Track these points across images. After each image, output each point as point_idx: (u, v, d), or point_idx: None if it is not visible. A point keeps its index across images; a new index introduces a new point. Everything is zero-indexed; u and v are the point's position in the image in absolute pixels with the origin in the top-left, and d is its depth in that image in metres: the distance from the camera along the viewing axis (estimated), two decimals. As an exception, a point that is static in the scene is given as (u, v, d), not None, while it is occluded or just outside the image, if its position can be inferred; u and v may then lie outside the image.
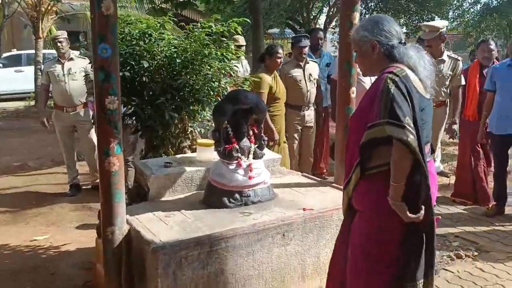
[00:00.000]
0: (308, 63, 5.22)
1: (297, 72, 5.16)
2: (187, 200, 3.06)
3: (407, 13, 16.97)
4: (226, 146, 2.90)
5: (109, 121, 2.47)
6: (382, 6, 17.22)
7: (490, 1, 15.95)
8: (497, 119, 4.35)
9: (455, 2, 16.80)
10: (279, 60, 4.74)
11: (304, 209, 2.87)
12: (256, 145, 3.02)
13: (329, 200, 3.05)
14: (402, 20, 17.30)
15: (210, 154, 3.33)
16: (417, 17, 16.55)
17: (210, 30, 3.54)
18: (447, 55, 4.91)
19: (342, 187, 3.33)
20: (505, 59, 4.82)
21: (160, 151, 3.58)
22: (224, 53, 3.52)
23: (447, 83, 4.93)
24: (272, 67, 4.77)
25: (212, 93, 3.54)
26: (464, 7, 16.38)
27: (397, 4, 17.24)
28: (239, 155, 2.92)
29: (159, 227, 2.63)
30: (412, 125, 1.88)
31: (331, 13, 18.84)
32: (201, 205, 2.96)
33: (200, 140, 3.40)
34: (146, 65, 3.28)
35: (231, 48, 3.63)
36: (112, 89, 2.46)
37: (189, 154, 3.54)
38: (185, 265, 2.42)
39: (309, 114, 5.27)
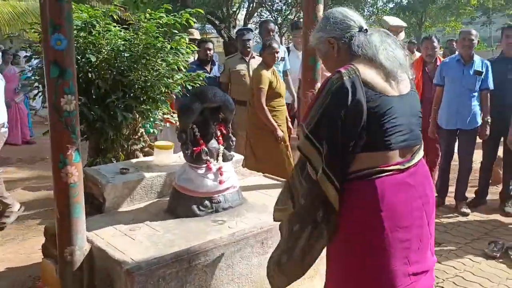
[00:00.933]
0: (253, 57, 5.04)
1: (241, 67, 4.97)
2: (149, 210, 2.76)
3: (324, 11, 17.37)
4: (194, 148, 2.64)
5: (66, 124, 2.13)
6: (295, 4, 17.48)
7: (401, 0, 16.83)
8: (447, 114, 4.46)
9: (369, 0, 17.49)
10: (275, 55, 4.52)
11: (279, 213, 2.70)
12: (224, 146, 2.79)
13: (301, 201, 2.90)
14: (321, 17, 17.75)
15: (168, 158, 3.05)
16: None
17: (160, 22, 3.24)
18: None
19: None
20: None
21: (109, 155, 3.23)
22: (178, 47, 3.23)
23: None
24: (269, 62, 4.54)
25: (165, 91, 3.24)
26: (378, 5, 17.12)
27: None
28: (208, 158, 2.68)
29: (126, 243, 2.32)
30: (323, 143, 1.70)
31: (251, 8, 18.82)
32: (167, 214, 2.68)
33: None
34: (93, 59, 2.90)
35: (184, 41, 3.35)
36: (69, 87, 2.12)
37: (143, 158, 3.23)
38: (162, 285, 2.14)
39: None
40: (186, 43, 3.35)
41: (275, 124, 4.41)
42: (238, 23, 17.46)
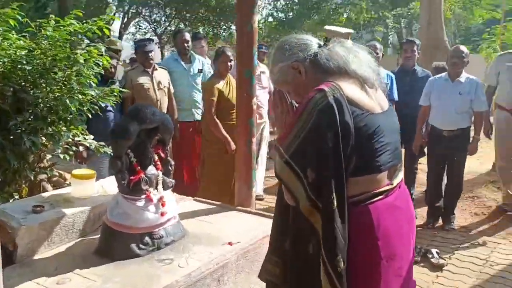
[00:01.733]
0: (156, 69, 4.65)
1: (144, 80, 4.55)
2: (74, 253, 2.30)
3: (206, 23, 17.31)
4: (131, 177, 2.25)
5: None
6: (176, 14, 17.20)
7: (281, 16, 17.43)
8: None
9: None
10: (227, 63, 4.18)
11: (230, 244, 2.42)
12: (163, 172, 2.44)
13: (247, 227, 2.66)
14: (202, 29, 17.66)
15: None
16: (216, 27, 17.01)
17: (70, 29, 2.76)
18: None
19: (248, 209, 3.02)
20: None
21: (8, 189, 2.65)
22: (96, 59, 2.79)
23: None
24: (222, 71, 4.23)
25: (80, 108, 2.77)
26: (260, 18, 17.56)
27: (195, 13, 17.45)
28: (148, 187, 2.31)
29: (58, 302, 1.86)
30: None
31: (126, 18, 18.04)
32: (98, 258, 2.24)
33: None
34: (-10, 73, 2.35)
35: (99, 52, 2.90)
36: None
37: (57, 190, 2.71)
38: None
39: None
40: (102, 53, 2.90)
41: (228, 137, 4.12)
42: (112, 34, 16.58)
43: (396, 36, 16.99)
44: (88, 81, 2.87)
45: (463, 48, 4.28)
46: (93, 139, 2.97)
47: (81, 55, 2.75)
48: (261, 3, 18.75)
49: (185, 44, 4.89)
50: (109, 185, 2.73)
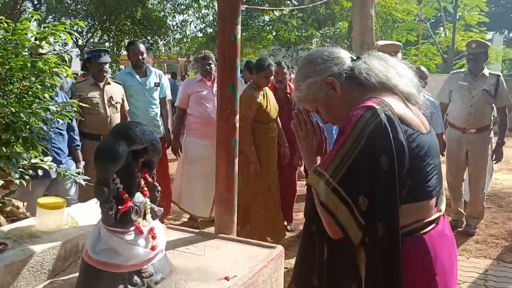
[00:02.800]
0: (109, 83, 4.27)
1: (94, 94, 4.16)
2: (47, 300, 1.92)
3: (132, 35, 16.73)
4: (119, 206, 1.93)
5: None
6: (99, 25, 16.45)
7: (210, 32, 17.32)
8: None
9: (176, 28, 17.52)
10: (269, 79, 4.18)
11: (227, 279, 2.17)
12: (150, 199, 2.14)
13: (237, 258, 2.41)
14: (127, 40, 17.09)
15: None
16: (143, 38, 16.48)
17: (26, 33, 2.38)
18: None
19: (231, 236, 2.77)
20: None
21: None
22: (60, 70, 2.43)
23: None
24: (261, 84, 4.23)
25: (40, 127, 2.40)
26: (187, 33, 17.30)
27: (121, 25, 16.82)
28: (137, 217, 2.00)
29: None
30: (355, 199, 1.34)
31: (42, 28, 16.93)
32: (78, 303, 1.89)
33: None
34: None
35: (54, 60, 2.54)
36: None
37: (14, 224, 2.28)
38: None
39: (111, 146, 4.29)
40: (60, 64, 2.54)
41: (255, 156, 4.18)
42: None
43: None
44: (49, 94, 2.50)
45: (423, 69, 4.38)
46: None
47: (43, 63, 2.38)
48: (189, 18, 18.56)
49: (140, 56, 4.56)
50: (79, 214, 2.36)
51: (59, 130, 3.64)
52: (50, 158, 2.62)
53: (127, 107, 4.40)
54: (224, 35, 2.67)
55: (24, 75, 2.27)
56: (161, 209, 2.19)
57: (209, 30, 17.57)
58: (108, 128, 4.23)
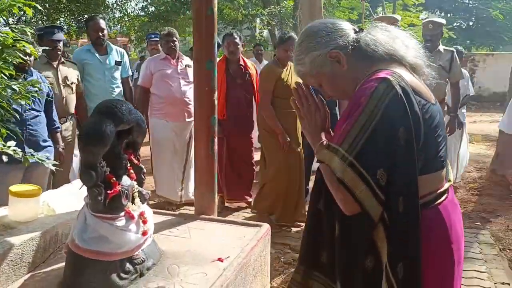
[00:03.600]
0: (63, 62, 3.99)
1: (48, 74, 3.87)
2: (32, 295, 1.77)
3: (68, 13, 15.84)
4: (108, 191, 1.80)
5: None
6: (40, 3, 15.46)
7: (152, 11, 16.70)
8: None
9: (115, 5, 16.75)
10: (288, 53, 3.93)
11: (220, 260, 2.10)
12: (136, 182, 2.01)
13: (225, 238, 2.35)
14: (63, 20, 16.20)
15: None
16: (80, 17, 15.64)
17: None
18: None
19: (213, 217, 2.69)
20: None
21: None
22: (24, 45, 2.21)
23: None
24: (283, 59, 4.08)
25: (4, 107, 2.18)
26: (129, 11, 16.57)
27: (56, 2, 15.84)
28: (127, 202, 1.88)
29: None
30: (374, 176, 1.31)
31: None
32: (67, 296, 1.76)
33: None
34: None
35: (17, 36, 2.32)
36: None
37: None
38: None
39: (67, 128, 4.04)
40: (20, 39, 2.32)
41: (280, 128, 4.03)
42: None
43: (269, 33, 17.44)
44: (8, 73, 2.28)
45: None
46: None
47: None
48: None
49: (100, 33, 4.27)
50: (54, 201, 2.19)
51: (35, 113, 3.31)
52: (13, 142, 2.40)
53: (82, 88, 4.13)
54: (200, 9, 2.54)
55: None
56: (149, 192, 2.07)
57: (151, 8, 16.95)
58: (64, 110, 3.97)
